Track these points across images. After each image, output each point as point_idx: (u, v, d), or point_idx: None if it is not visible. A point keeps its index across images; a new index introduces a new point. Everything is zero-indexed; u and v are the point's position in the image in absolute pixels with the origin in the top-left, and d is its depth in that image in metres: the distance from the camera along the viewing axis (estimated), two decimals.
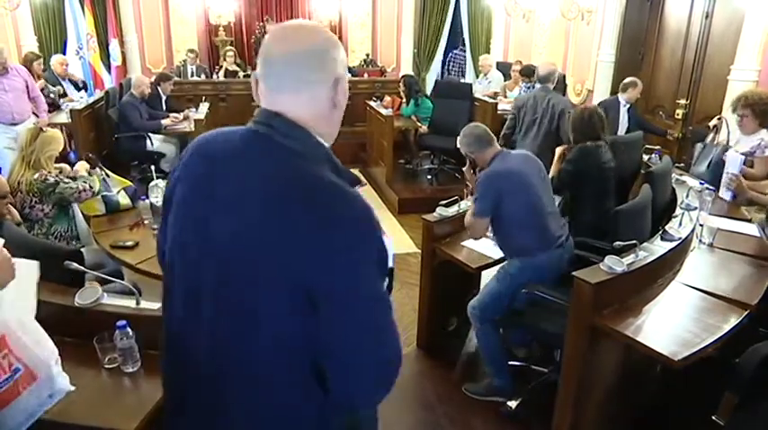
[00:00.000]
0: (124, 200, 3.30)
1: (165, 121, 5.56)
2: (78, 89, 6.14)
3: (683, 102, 5.09)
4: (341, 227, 0.90)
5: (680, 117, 5.08)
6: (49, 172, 2.89)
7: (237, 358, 0.97)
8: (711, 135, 3.74)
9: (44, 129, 3.02)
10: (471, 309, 2.61)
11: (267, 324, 0.93)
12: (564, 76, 6.34)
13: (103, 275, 2.15)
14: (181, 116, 5.71)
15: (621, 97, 4.75)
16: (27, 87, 4.72)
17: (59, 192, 2.82)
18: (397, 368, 0.98)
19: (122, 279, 2.51)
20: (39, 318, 1.73)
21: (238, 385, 0.99)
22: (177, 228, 1.04)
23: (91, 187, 2.95)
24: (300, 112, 0.98)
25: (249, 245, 0.92)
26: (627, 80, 4.77)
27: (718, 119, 3.77)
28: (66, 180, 2.89)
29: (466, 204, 3.09)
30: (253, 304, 0.93)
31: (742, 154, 3.18)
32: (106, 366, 1.75)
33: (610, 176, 3.07)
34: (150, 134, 5.42)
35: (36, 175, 2.81)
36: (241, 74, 7.81)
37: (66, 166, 3.12)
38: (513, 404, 2.60)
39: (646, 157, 3.79)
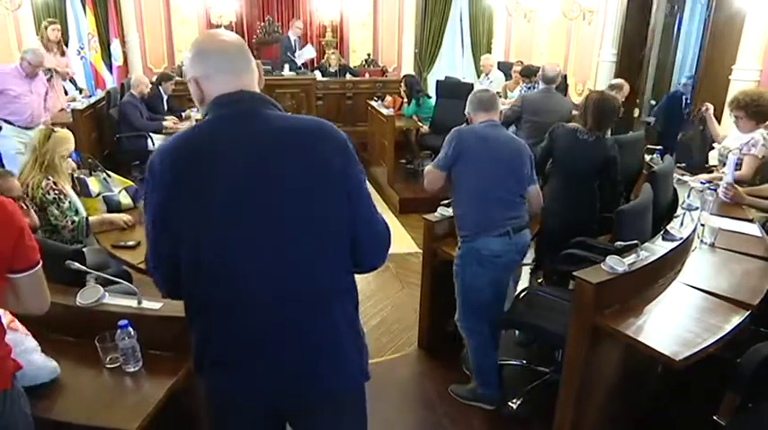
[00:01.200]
0: (125, 199, 3.30)
1: (166, 122, 5.58)
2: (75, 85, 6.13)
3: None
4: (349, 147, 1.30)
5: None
6: (59, 177, 2.86)
7: (309, 272, 1.24)
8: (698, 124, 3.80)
9: (55, 129, 3.01)
10: (457, 322, 2.60)
11: (332, 223, 1.26)
12: (565, 76, 6.34)
13: (105, 275, 2.15)
14: (181, 121, 5.71)
15: None
16: (46, 93, 4.78)
17: (49, 212, 2.79)
18: (390, 236, 1.39)
19: (129, 280, 2.51)
20: (40, 318, 1.74)
21: (306, 299, 1.25)
22: (229, 210, 1.20)
23: (73, 222, 2.87)
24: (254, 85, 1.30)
25: (308, 179, 1.22)
26: (614, 82, 4.76)
27: (705, 108, 3.80)
28: (63, 203, 2.82)
29: None
30: (323, 212, 1.24)
31: (732, 150, 3.21)
32: (108, 366, 1.76)
33: (578, 166, 2.89)
34: (151, 134, 5.43)
35: (44, 183, 2.77)
36: None
37: (72, 164, 3.11)
38: (514, 404, 2.60)
39: (648, 157, 3.79)
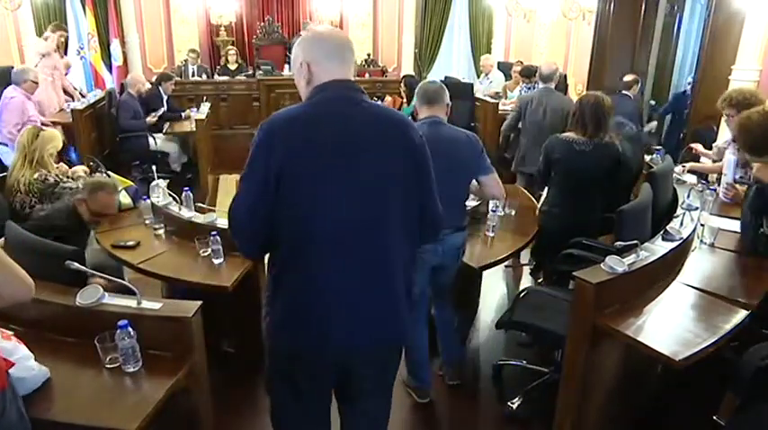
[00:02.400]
0: (125, 199, 3.30)
1: (149, 119, 5.56)
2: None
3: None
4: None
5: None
6: (49, 171, 2.89)
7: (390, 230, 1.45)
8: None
9: (43, 128, 3.04)
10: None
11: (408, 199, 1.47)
12: (565, 76, 6.34)
13: (104, 275, 2.15)
14: (155, 117, 5.67)
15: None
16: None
17: (58, 192, 2.82)
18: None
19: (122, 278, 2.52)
20: (40, 318, 1.75)
21: (392, 243, 1.47)
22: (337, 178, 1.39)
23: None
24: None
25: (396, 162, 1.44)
26: (627, 78, 4.82)
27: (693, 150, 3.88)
28: (66, 180, 2.89)
29: (467, 204, 3.09)
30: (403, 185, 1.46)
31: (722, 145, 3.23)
32: (107, 366, 1.75)
33: (579, 176, 2.86)
34: (153, 134, 5.45)
35: (36, 175, 2.81)
36: (242, 76, 7.80)
37: (63, 166, 3.13)
38: (514, 404, 2.60)
39: (648, 157, 3.79)
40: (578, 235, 2.75)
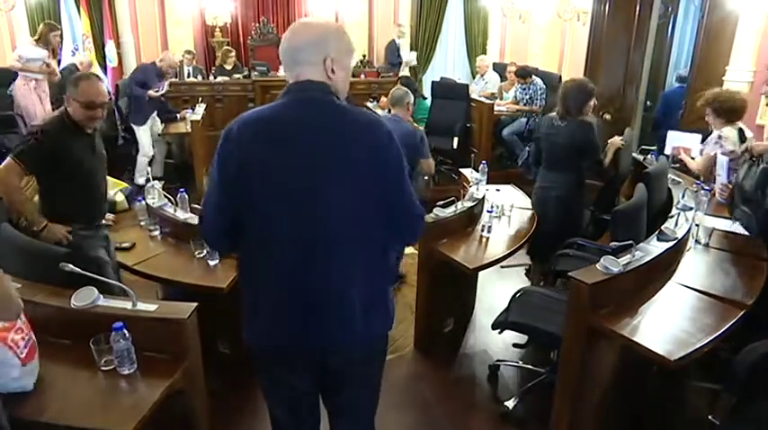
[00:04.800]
0: (120, 199, 3.27)
1: (150, 92, 5.49)
2: None
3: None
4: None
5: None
6: None
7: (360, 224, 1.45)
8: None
9: None
10: None
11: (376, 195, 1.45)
12: (560, 77, 6.35)
13: (99, 277, 2.13)
14: (158, 92, 5.60)
15: None
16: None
17: None
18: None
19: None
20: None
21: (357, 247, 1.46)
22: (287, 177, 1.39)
23: None
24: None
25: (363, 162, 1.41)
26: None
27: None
28: None
29: (463, 205, 3.10)
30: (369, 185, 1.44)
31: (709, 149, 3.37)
32: (102, 368, 1.75)
33: (552, 149, 3.24)
34: (141, 138, 5.41)
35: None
36: (239, 76, 7.77)
37: None
38: (510, 404, 2.61)
39: (641, 157, 3.80)
40: (565, 208, 3.19)
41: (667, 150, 3.73)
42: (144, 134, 5.48)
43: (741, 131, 3.33)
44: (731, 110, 3.32)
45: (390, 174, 1.45)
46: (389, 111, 3.42)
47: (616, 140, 3.46)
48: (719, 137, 3.31)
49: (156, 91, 5.54)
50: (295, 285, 1.45)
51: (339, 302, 1.47)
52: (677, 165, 3.69)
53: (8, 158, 2.37)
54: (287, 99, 1.43)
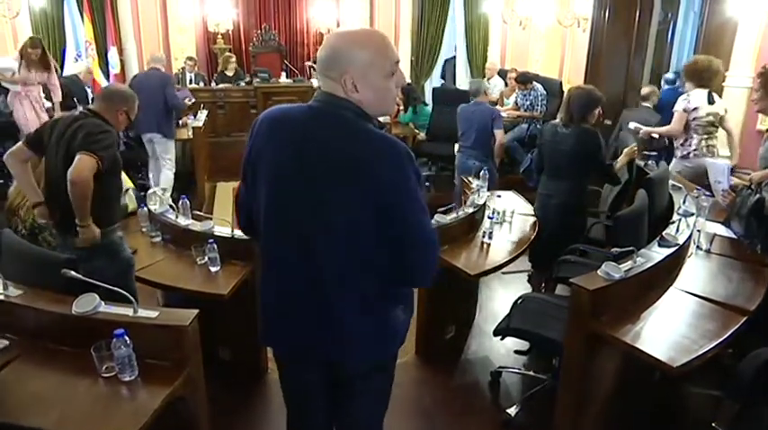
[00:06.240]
0: (131, 203, 3.25)
1: (186, 101, 5.49)
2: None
3: None
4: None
5: None
6: None
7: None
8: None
9: None
10: None
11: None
12: (560, 83, 6.37)
13: (101, 283, 2.13)
14: (178, 128, 5.52)
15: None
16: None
17: (40, 240, 2.77)
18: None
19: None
20: (36, 327, 1.73)
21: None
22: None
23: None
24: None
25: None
26: (644, 91, 5.04)
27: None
28: (49, 239, 2.81)
29: (463, 211, 3.10)
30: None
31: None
32: (103, 375, 1.74)
33: (555, 156, 3.22)
34: (170, 151, 5.18)
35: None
36: (242, 82, 7.80)
37: None
38: (512, 411, 2.60)
39: (642, 163, 3.80)
40: (566, 215, 3.15)
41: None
42: (173, 147, 5.21)
43: (710, 94, 3.72)
44: (696, 72, 3.73)
45: (392, 193, 1.34)
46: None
47: (632, 146, 3.45)
48: (687, 94, 3.75)
49: (190, 100, 5.59)
50: (284, 295, 1.49)
51: (320, 325, 1.48)
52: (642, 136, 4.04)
53: (84, 155, 2.27)
54: (310, 103, 1.43)
